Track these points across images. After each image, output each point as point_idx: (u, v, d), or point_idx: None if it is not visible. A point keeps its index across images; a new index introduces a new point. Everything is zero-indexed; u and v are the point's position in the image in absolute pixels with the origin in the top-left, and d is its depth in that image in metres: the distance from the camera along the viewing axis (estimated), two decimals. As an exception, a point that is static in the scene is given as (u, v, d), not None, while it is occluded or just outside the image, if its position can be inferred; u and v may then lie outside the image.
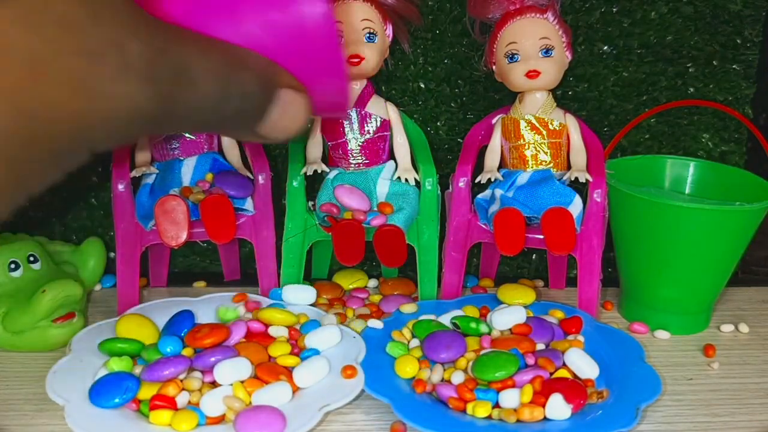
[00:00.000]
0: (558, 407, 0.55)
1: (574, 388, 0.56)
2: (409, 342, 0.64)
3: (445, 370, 0.60)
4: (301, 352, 0.61)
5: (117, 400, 0.55)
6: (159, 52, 0.26)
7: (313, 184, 0.74)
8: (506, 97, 0.78)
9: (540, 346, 0.62)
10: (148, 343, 0.62)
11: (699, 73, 0.80)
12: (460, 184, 0.71)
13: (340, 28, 0.69)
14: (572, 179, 0.70)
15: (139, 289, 0.72)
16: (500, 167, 0.74)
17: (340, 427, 0.58)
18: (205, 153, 0.71)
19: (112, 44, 0.25)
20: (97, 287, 0.77)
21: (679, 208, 0.67)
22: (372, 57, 0.70)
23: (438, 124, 0.81)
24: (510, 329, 0.64)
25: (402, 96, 0.80)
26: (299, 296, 0.69)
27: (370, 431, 0.57)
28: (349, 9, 0.69)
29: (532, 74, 0.70)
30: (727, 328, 0.73)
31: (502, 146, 0.74)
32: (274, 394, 0.56)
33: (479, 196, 0.73)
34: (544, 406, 0.55)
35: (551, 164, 0.72)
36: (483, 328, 0.63)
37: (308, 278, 0.77)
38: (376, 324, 0.66)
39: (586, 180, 0.70)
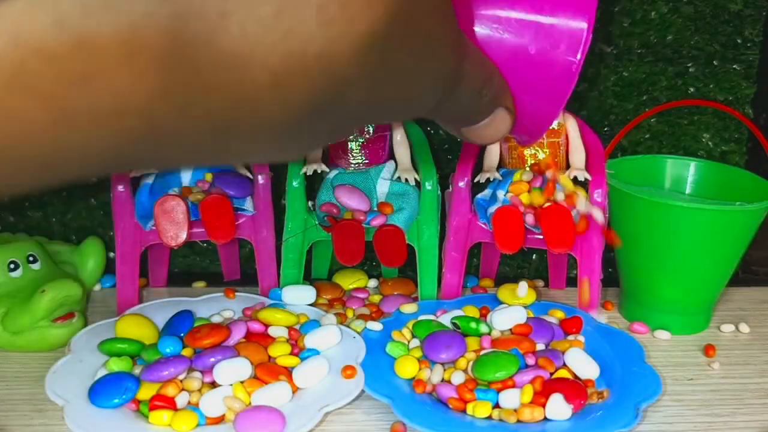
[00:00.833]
0: (558, 407, 0.55)
1: (574, 389, 0.56)
2: (409, 342, 0.64)
3: (445, 370, 0.60)
4: (300, 352, 0.61)
5: (116, 401, 0.55)
6: (459, 59, 0.26)
7: (313, 184, 0.74)
8: (506, 97, 0.78)
9: (540, 347, 0.62)
10: (148, 343, 0.62)
11: (699, 72, 0.80)
12: (460, 184, 0.71)
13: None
14: (571, 178, 0.70)
15: (139, 289, 0.72)
16: (499, 167, 0.74)
17: (340, 427, 0.58)
18: (205, 153, 0.71)
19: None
20: (97, 287, 0.77)
21: (679, 208, 0.67)
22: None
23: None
24: (510, 329, 0.64)
25: (402, 96, 0.80)
26: (299, 296, 0.69)
27: (370, 431, 0.57)
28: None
29: (532, 74, 0.70)
30: (728, 328, 0.73)
31: (501, 146, 0.74)
32: (274, 395, 0.56)
33: (479, 195, 0.73)
34: (544, 406, 0.55)
35: (551, 164, 0.72)
36: (483, 328, 0.63)
37: (308, 278, 0.76)
38: (375, 324, 0.66)
39: (585, 179, 0.69)
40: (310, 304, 0.69)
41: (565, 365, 0.60)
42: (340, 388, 0.57)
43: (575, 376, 0.59)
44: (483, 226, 0.71)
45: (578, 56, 0.31)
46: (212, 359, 0.58)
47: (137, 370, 0.59)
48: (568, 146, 0.72)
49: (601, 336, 0.66)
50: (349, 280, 0.78)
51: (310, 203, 0.72)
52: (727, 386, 0.64)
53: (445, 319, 0.66)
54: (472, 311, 0.67)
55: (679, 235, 0.68)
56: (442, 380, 0.59)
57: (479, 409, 0.55)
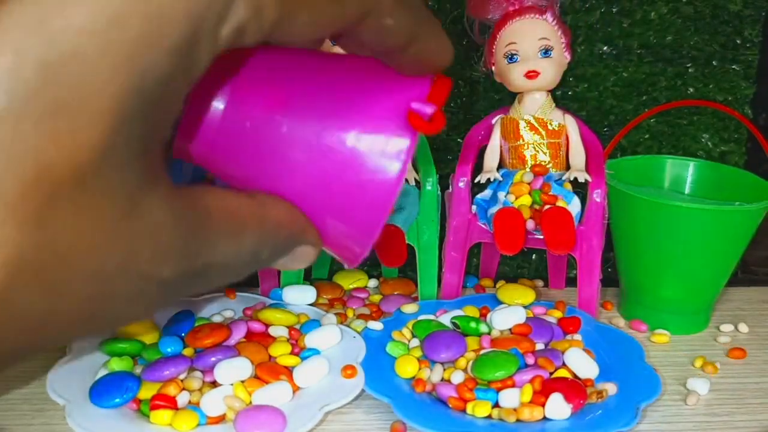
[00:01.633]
0: (558, 407, 0.55)
1: (573, 388, 0.57)
2: (409, 342, 0.64)
3: (445, 369, 0.60)
4: (301, 351, 0.61)
5: (117, 400, 0.55)
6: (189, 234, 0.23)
7: (313, 184, 0.74)
8: (506, 98, 0.78)
9: (540, 346, 0.62)
10: (149, 342, 0.62)
11: (699, 73, 0.81)
12: (460, 184, 0.71)
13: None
14: (571, 179, 0.70)
15: (140, 289, 0.72)
16: (499, 167, 0.74)
17: (340, 427, 0.58)
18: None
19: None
20: (98, 287, 0.77)
21: (679, 208, 0.67)
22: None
23: (438, 124, 0.81)
24: (510, 329, 0.64)
25: (402, 96, 0.80)
26: (299, 296, 0.69)
27: (370, 431, 0.57)
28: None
29: (531, 74, 0.70)
30: (727, 328, 0.73)
31: (501, 146, 0.74)
32: (275, 394, 0.56)
33: (479, 196, 0.73)
34: (543, 405, 0.55)
35: (550, 164, 0.72)
36: (483, 328, 0.63)
37: (308, 278, 0.77)
38: (376, 324, 0.66)
39: (585, 180, 0.70)
40: (311, 304, 0.69)
41: (564, 365, 0.60)
42: (340, 388, 0.57)
43: (575, 376, 0.60)
44: (483, 226, 0.71)
45: (396, 173, 0.28)
46: (213, 359, 0.58)
47: (138, 370, 0.59)
48: (568, 147, 0.73)
49: (601, 336, 0.66)
50: (349, 280, 0.79)
51: (310, 203, 0.72)
52: (726, 386, 0.64)
53: (445, 319, 0.66)
54: (472, 311, 0.67)
55: (678, 235, 0.68)
56: (442, 380, 0.59)
57: (479, 409, 0.56)
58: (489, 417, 0.56)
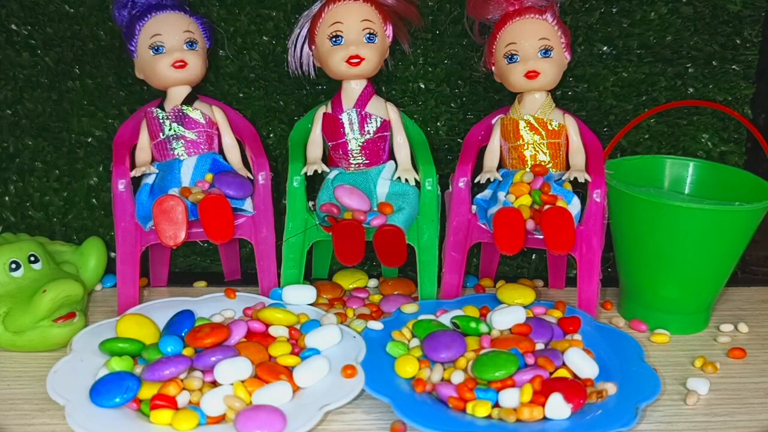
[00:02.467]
0: (558, 407, 0.55)
1: (573, 388, 0.57)
2: (409, 342, 0.64)
3: (445, 369, 0.60)
4: (301, 351, 0.61)
5: (118, 400, 0.55)
6: None
7: (314, 184, 0.75)
8: (506, 98, 0.78)
9: (539, 346, 0.62)
10: (149, 342, 0.62)
11: (698, 73, 0.81)
12: (460, 184, 0.72)
13: (341, 29, 0.69)
14: (571, 179, 0.70)
15: (140, 289, 0.72)
16: (499, 167, 0.74)
17: (340, 427, 0.58)
18: (205, 153, 0.71)
19: None
20: (98, 287, 0.77)
21: (679, 208, 0.67)
22: (372, 57, 0.70)
23: (438, 124, 0.81)
24: (510, 329, 0.64)
25: (402, 96, 0.80)
26: (299, 296, 0.69)
27: (370, 431, 0.57)
28: (349, 9, 0.70)
29: (531, 75, 0.70)
30: (727, 328, 0.73)
31: (501, 146, 0.74)
32: (275, 394, 0.56)
33: (479, 196, 0.73)
34: (543, 405, 0.55)
35: (550, 164, 0.72)
36: (483, 328, 0.63)
37: (308, 278, 0.77)
38: (376, 324, 0.66)
39: (585, 180, 0.70)
40: (311, 304, 0.70)
41: (564, 365, 0.60)
42: (340, 388, 0.57)
43: (575, 376, 0.60)
44: (483, 226, 0.71)
45: None
46: (213, 359, 0.58)
47: (138, 370, 0.59)
48: (568, 147, 0.73)
49: (601, 335, 0.66)
50: (349, 280, 0.79)
51: (310, 203, 0.72)
52: (726, 386, 0.64)
53: (445, 319, 0.66)
54: (472, 311, 0.67)
55: (678, 235, 0.68)
56: (442, 380, 0.59)
57: (479, 409, 0.56)
58: (489, 417, 0.56)
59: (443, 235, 0.73)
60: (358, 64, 0.69)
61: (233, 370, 0.57)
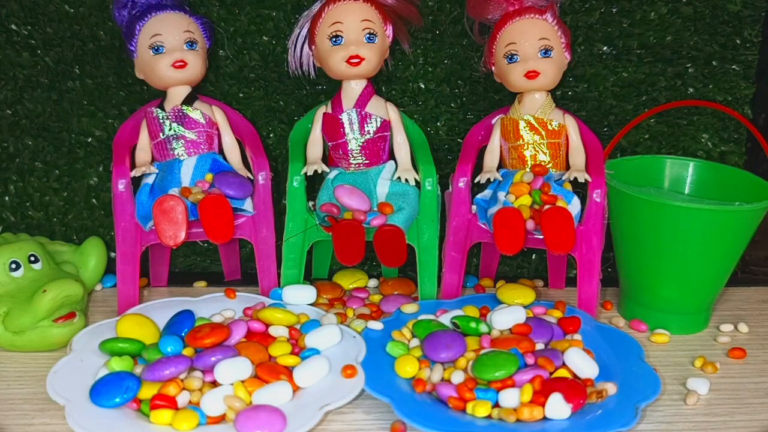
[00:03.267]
0: (558, 407, 0.55)
1: (573, 388, 0.57)
2: (409, 342, 0.64)
3: (445, 369, 0.60)
4: (301, 351, 0.61)
5: (118, 400, 0.55)
6: None
7: (314, 184, 0.75)
8: (506, 98, 0.78)
9: (539, 346, 0.62)
10: (149, 342, 0.62)
11: (698, 73, 0.81)
12: (460, 184, 0.72)
13: (341, 29, 0.69)
14: (571, 179, 0.70)
15: (140, 289, 0.72)
16: (499, 167, 0.74)
17: (340, 427, 0.58)
18: (205, 153, 0.71)
19: None
20: (98, 287, 0.77)
21: (679, 208, 0.67)
22: (372, 57, 0.70)
23: (438, 124, 0.81)
24: (510, 329, 0.64)
25: (402, 96, 0.80)
26: (299, 296, 0.69)
27: (370, 431, 0.57)
28: (349, 9, 0.70)
29: (531, 75, 0.70)
30: (727, 328, 0.73)
31: (501, 146, 0.74)
32: (275, 394, 0.56)
33: (479, 196, 0.73)
34: (543, 405, 0.55)
35: (550, 164, 0.72)
36: (483, 328, 0.63)
37: (308, 278, 0.77)
38: (376, 324, 0.66)
39: (585, 180, 0.70)
40: (311, 304, 0.70)
41: (564, 365, 0.60)
42: (340, 388, 0.57)
43: (575, 376, 0.60)
44: (483, 226, 0.71)
45: None
46: (213, 359, 0.58)
47: (138, 370, 0.59)
48: (568, 147, 0.73)
49: (601, 335, 0.66)
50: (349, 280, 0.79)
51: (310, 203, 0.72)
52: (726, 386, 0.64)
53: (445, 319, 0.66)
54: (472, 311, 0.67)
55: (678, 235, 0.68)
56: (442, 380, 0.59)
57: (479, 409, 0.56)
58: (489, 417, 0.56)
59: (443, 235, 0.73)
60: (358, 64, 0.69)
61: (233, 370, 0.57)
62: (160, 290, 0.78)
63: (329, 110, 0.73)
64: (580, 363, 0.60)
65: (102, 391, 0.56)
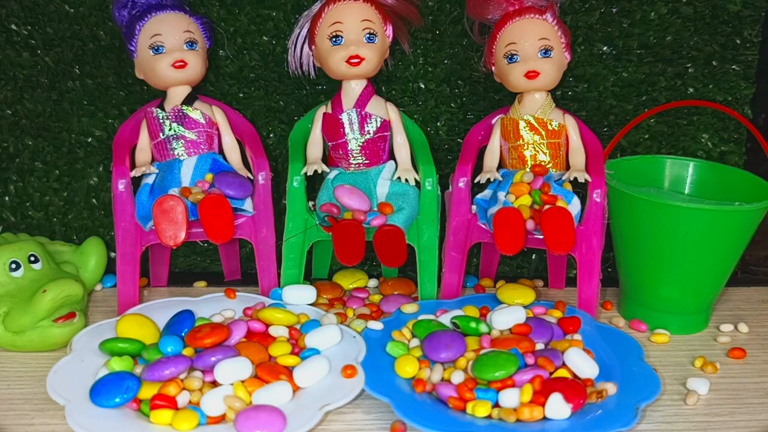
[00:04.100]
0: (558, 407, 0.55)
1: (573, 388, 0.57)
2: (409, 342, 0.64)
3: (445, 369, 0.60)
4: (301, 351, 0.61)
5: (118, 400, 0.55)
6: None
7: (314, 184, 0.75)
8: (506, 98, 0.78)
9: (539, 346, 0.62)
10: (149, 342, 0.62)
11: (698, 73, 0.81)
12: (460, 184, 0.72)
13: (341, 29, 0.69)
14: (571, 179, 0.70)
15: (140, 289, 0.72)
16: (499, 167, 0.74)
17: (340, 427, 0.58)
18: (205, 153, 0.71)
19: None
20: (98, 287, 0.77)
21: (679, 208, 0.68)
22: (372, 57, 0.70)
23: (438, 124, 0.81)
24: (510, 329, 0.64)
25: (402, 96, 0.80)
26: (299, 296, 0.69)
27: (370, 431, 0.57)
28: (349, 9, 0.70)
29: (531, 75, 0.70)
30: (727, 327, 0.73)
31: (501, 146, 0.74)
32: (275, 394, 0.56)
33: (479, 196, 0.73)
34: (543, 405, 0.55)
35: (550, 164, 0.72)
36: (483, 328, 0.63)
37: (308, 278, 0.77)
38: (376, 324, 0.66)
39: (585, 180, 0.70)
40: (311, 304, 0.70)
41: (564, 365, 0.60)
42: (340, 388, 0.57)
43: (575, 376, 0.60)
44: (483, 226, 0.71)
45: None
46: (213, 359, 0.58)
47: (138, 370, 0.59)
48: (568, 147, 0.73)
49: (601, 335, 0.66)
50: (349, 280, 0.79)
51: (310, 203, 0.72)
52: (726, 386, 0.64)
53: (445, 319, 0.66)
54: (472, 311, 0.67)
55: (678, 235, 0.68)
56: (442, 380, 0.59)
57: (479, 409, 0.56)
58: (489, 417, 0.56)
59: (443, 235, 0.73)
60: (358, 64, 0.69)
61: (233, 370, 0.57)
62: (160, 290, 0.78)
63: (329, 110, 0.73)
64: (580, 363, 0.60)
65: (102, 391, 0.56)
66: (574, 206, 0.69)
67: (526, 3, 0.71)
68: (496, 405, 0.57)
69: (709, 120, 0.82)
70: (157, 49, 0.69)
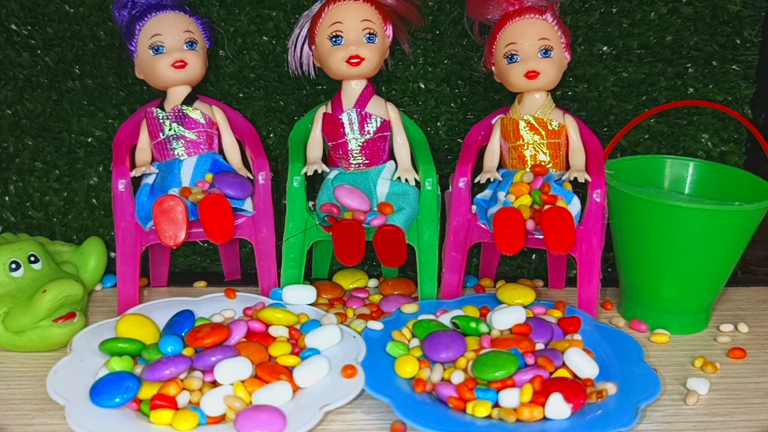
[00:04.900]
0: (558, 407, 0.55)
1: (573, 388, 0.57)
2: (409, 342, 0.64)
3: (445, 369, 0.60)
4: (301, 351, 0.61)
5: (118, 400, 0.55)
6: None
7: (314, 184, 0.75)
8: (506, 98, 0.78)
9: (539, 346, 0.62)
10: (149, 342, 0.62)
11: (698, 73, 0.81)
12: (460, 184, 0.72)
13: (341, 29, 0.69)
14: (571, 179, 0.70)
15: (140, 289, 0.72)
16: (499, 167, 0.74)
17: (340, 427, 0.58)
18: (205, 153, 0.71)
19: None
20: (98, 287, 0.77)
21: (679, 208, 0.68)
22: (372, 57, 0.70)
23: (438, 124, 0.81)
24: (510, 329, 0.64)
25: (402, 96, 0.80)
26: (299, 296, 0.69)
27: (370, 431, 0.57)
28: (349, 9, 0.70)
29: (531, 75, 0.70)
30: (727, 328, 0.73)
31: (501, 146, 0.74)
32: (275, 394, 0.56)
33: (479, 196, 0.73)
34: (543, 405, 0.55)
35: (550, 164, 0.72)
36: (483, 328, 0.63)
37: (308, 278, 0.77)
38: (376, 324, 0.66)
39: (585, 180, 0.70)
40: (311, 304, 0.70)
41: (564, 365, 0.60)
42: (340, 388, 0.57)
43: (575, 376, 0.60)
44: (483, 226, 0.72)
45: None
46: (213, 359, 0.58)
47: (138, 370, 0.59)
48: (568, 147, 0.73)
49: (601, 335, 0.66)
50: (349, 280, 0.79)
51: (310, 203, 0.72)
52: (726, 386, 0.64)
53: (445, 319, 0.66)
54: (472, 311, 0.67)
55: (678, 235, 0.68)
56: (442, 380, 0.59)
57: (479, 409, 0.56)
58: (489, 417, 0.56)
59: (443, 235, 0.73)
60: (358, 64, 0.69)
61: (233, 370, 0.57)
62: (160, 290, 0.78)
63: (329, 110, 0.73)
64: (580, 363, 0.60)
65: (102, 391, 0.56)
66: (574, 206, 0.69)
67: (526, 3, 0.71)
68: (496, 405, 0.57)
69: (709, 120, 0.82)
70: (157, 49, 0.69)
